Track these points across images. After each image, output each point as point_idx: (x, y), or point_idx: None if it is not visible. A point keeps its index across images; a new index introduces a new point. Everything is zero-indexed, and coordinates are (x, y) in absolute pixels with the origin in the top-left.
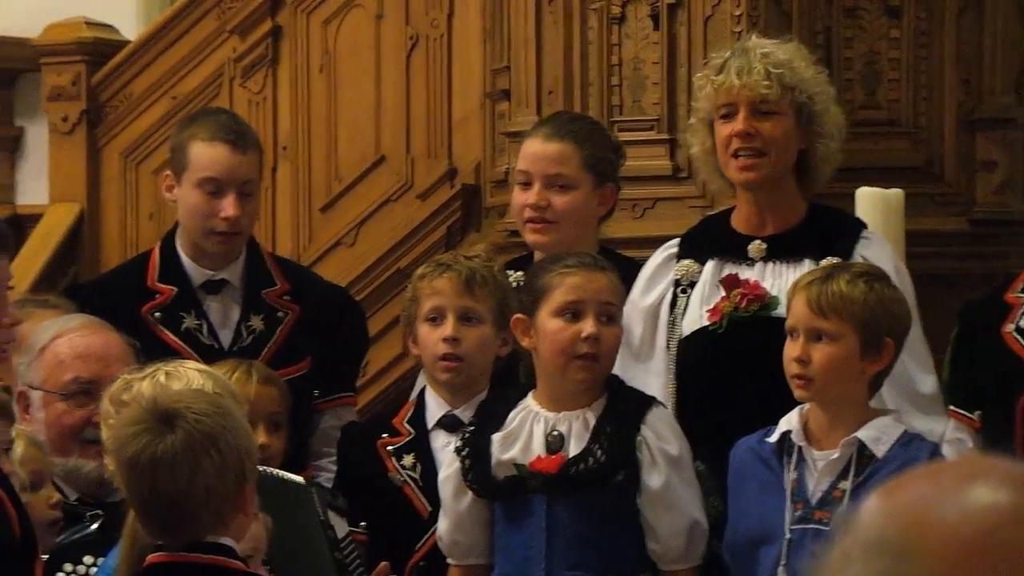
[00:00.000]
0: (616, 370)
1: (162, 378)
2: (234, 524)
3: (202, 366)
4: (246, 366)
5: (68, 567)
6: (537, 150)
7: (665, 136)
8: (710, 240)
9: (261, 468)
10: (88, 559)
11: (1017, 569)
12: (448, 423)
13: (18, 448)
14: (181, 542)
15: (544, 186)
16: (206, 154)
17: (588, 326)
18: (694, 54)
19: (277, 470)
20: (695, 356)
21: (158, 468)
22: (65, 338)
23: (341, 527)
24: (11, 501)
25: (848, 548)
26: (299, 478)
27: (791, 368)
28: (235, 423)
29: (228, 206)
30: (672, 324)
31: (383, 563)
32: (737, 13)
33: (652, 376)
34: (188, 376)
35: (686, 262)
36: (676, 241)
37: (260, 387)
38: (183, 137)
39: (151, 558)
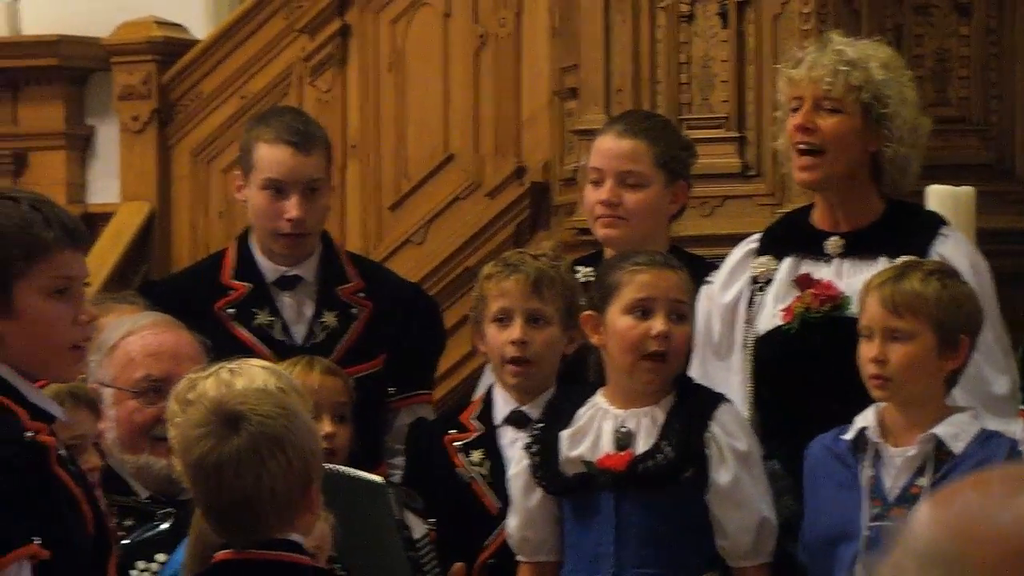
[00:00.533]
0: (697, 366)
1: (226, 376)
2: (301, 522)
3: (266, 363)
4: (307, 359)
5: (141, 564)
6: (610, 147)
7: (734, 134)
8: (789, 236)
9: (337, 467)
10: (160, 556)
11: None
12: (516, 419)
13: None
14: (248, 540)
15: (616, 183)
16: (269, 155)
17: (658, 324)
18: (763, 52)
19: (353, 469)
20: (769, 356)
21: (223, 470)
22: (136, 336)
23: (418, 527)
24: (86, 500)
25: (900, 558)
26: (376, 477)
27: (868, 369)
28: (300, 423)
29: (292, 207)
30: (748, 322)
31: (458, 564)
32: (806, 11)
33: (733, 374)
34: (252, 373)
35: (763, 259)
36: (757, 236)
37: (323, 378)
38: (249, 138)
39: (219, 555)
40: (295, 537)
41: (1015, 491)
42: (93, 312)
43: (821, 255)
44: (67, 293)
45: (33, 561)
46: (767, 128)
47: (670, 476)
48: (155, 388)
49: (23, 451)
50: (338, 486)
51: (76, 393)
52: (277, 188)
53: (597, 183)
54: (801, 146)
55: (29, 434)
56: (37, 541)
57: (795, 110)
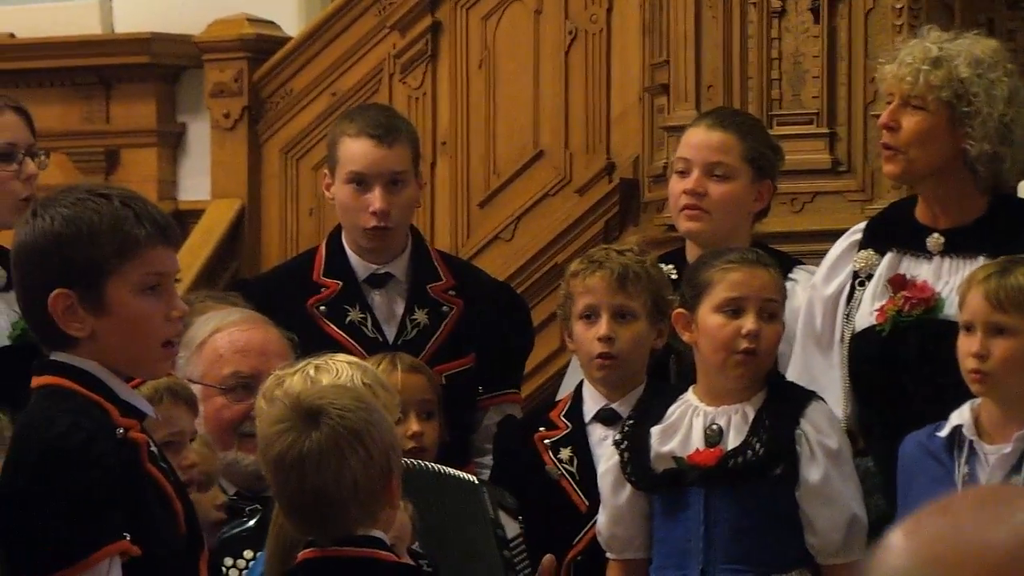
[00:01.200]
0: (799, 356)
1: (312, 372)
2: (382, 516)
3: (352, 358)
4: (391, 356)
5: (228, 561)
6: (699, 138)
7: (825, 130)
8: (892, 230)
9: (432, 465)
10: (248, 553)
11: None
12: (605, 417)
13: (193, 447)
14: (331, 537)
15: (703, 174)
16: (352, 149)
17: (749, 322)
18: (854, 48)
19: (448, 468)
20: (863, 355)
21: (304, 465)
22: (224, 333)
23: (511, 526)
24: (178, 497)
25: None
26: (471, 477)
27: (968, 363)
28: (379, 417)
29: (374, 200)
30: (847, 317)
31: (548, 556)
32: (899, 6)
33: (833, 367)
34: (338, 368)
35: (865, 253)
36: (861, 226)
37: (406, 376)
38: (335, 134)
39: (303, 554)
40: (378, 533)
41: (981, 515)
42: (184, 308)
43: (922, 251)
44: (159, 289)
45: (124, 557)
46: (858, 124)
47: (760, 472)
48: (243, 385)
49: (115, 448)
50: (432, 484)
51: (175, 389)
52: (360, 181)
53: (683, 173)
54: (884, 142)
55: (120, 431)
56: (128, 537)
57: (890, 103)
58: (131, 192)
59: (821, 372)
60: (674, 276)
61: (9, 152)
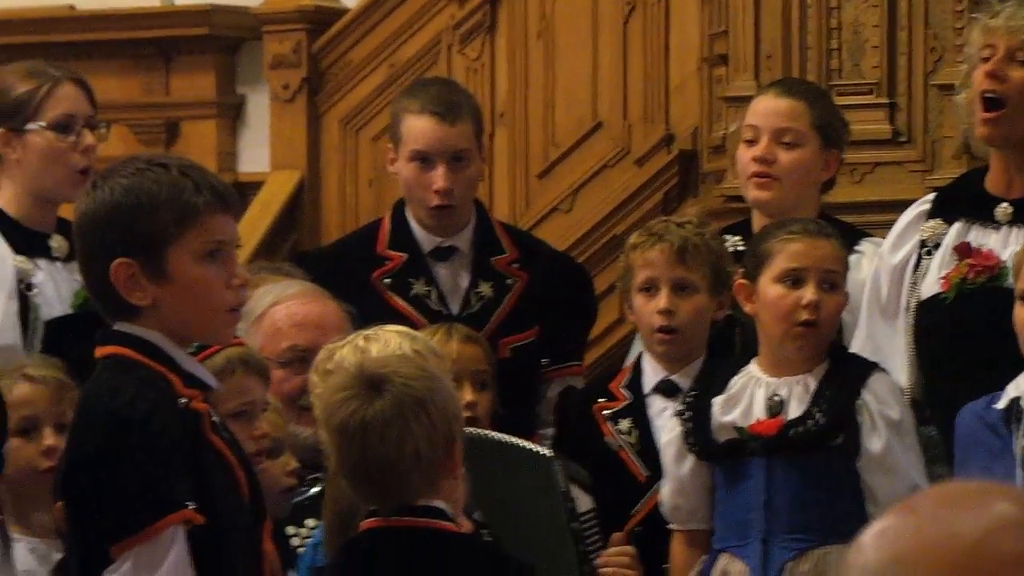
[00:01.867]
0: (864, 325)
1: (361, 343)
2: (444, 486)
3: (402, 328)
4: (446, 327)
5: (291, 530)
6: (768, 105)
7: (885, 100)
8: (960, 200)
9: (504, 437)
10: (310, 522)
11: (1013, 571)
12: (665, 388)
13: (265, 417)
14: (392, 507)
15: (772, 140)
16: (415, 127)
17: (809, 293)
18: (914, 17)
19: (519, 440)
20: (928, 322)
21: (368, 433)
22: (283, 306)
23: (584, 500)
24: (241, 467)
25: None
26: (544, 450)
27: None
28: (442, 386)
29: (438, 178)
30: (913, 285)
31: (617, 534)
32: None
33: (898, 335)
34: (387, 338)
35: (933, 222)
36: (930, 197)
37: (461, 346)
38: (397, 110)
39: (365, 523)
40: (439, 504)
41: (945, 511)
42: (246, 275)
43: (990, 221)
44: (219, 257)
45: (188, 526)
46: (918, 94)
47: (820, 442)
48: (301, 358)
49: (178, 417)
50: (502, 456)
51: (247, 360)
52: (423, 159)
53: (752, 142)
54: (987, 94)
55: (183, 400)
56: (192, 506)
57: (984, 59)
58: (190, 161)
59: (886, 341)
60: (741, 247)
61: (67, 124)
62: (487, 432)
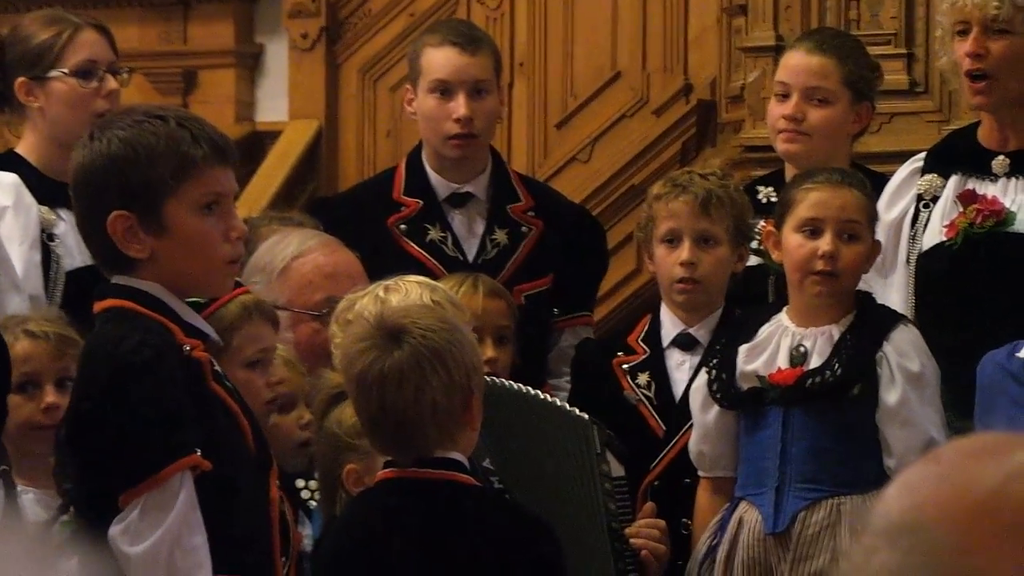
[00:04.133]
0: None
1: (381, 293)
2: (462, 438)
3: (421, 278)
4: (473, 279)
5: (300, 483)
6: (799, 62)
7: (903, 51)
8: (955, 155)
9: (544, 395)
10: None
11: None
12: (683, 342)
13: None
14: (410, 458)
15: (802, 98)
16: (435, 58)
17: (825, 243)
18: None
19: (560, 401)
20: (932, 271)
21: (386, 384)
22: (308, 258)
23: (616, 468)
24: (244, 414)
25: (870, 540)
26: (582, 414)
27: None
28: (461, 337)
29: (459, 107)
30: (912, 239)
31: (649, 504)
32: None
33: (892, 290)
34: (407, 288)
35: (929, 176)
36: (922, 155)
37: (487, 300)
38: (416, 48)
39: (382, 474)
40: (456, 455)
41: (968, 461)
42: (243, 228)
43: (987, 174)
44: (217, 209)
45: (195, 472)
46: (935, 44)
47: (836, 392)
48: (334, 309)
49: (182, 364)
50: (535, 412)
51: (261, 307)
52: (444, 90)
53: (783, 97)
54: (973, 72)
55: (187, 348)
56: (199, 452)
57: (960, 33)
58: (188, 113)
59: (880, 297)
60: (774, 199)
61: (90, 69)
62: (518, 385)
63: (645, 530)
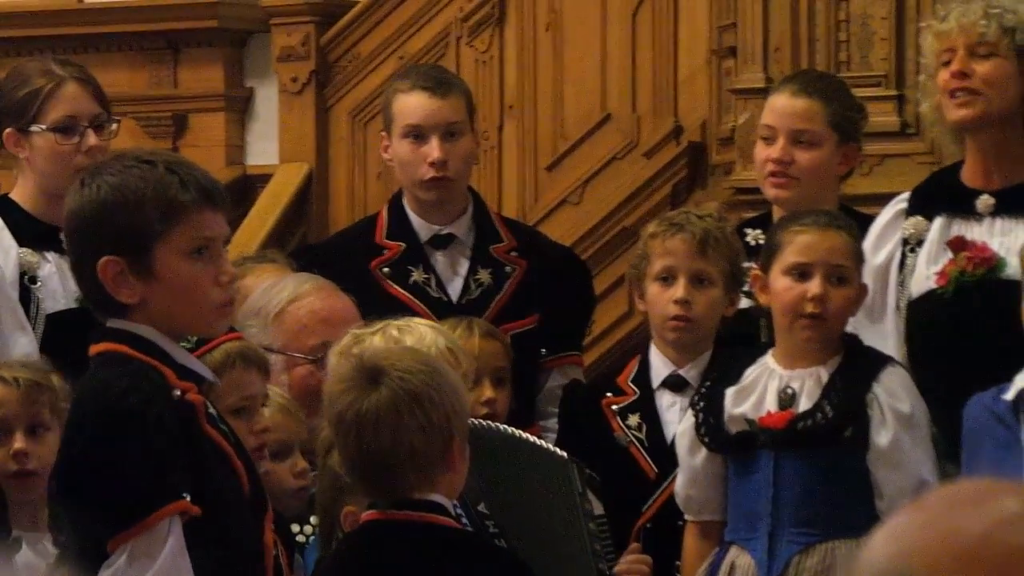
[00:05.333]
0: (849, 329)
1: (395, 333)
2: (443, 481)
3: (433, 323)
4: (467, 322)
5: (295, 527)
6: (784, 105)
7: (893, 92)
8: (939, 195)
9: (523, 434)
10: (315, 519)
11: (1016, 566)
12: (673, 383)
13: (265, 413)
14: (389, 500)
15: (789, 142)
16: (406, 103)
17: (814, 287)
18: (923, 9)
19: (538, 440)
20: (924, 319)
21: (362, 426)
22: (304, 302)
23: (597, 506)
24: (239, 457)
25: None
26: (561, 453)
27: None
28: (442, 380)
29: (432, 150)
30: (901, 284)
31: (635, 544)
32: None
33: (885, 337)
34: (421, 332)
35: (914, 219)
36: (905, 196)
37: (483, 342)
38: (388, 94)
39: (365, 515)
40: (438, 498)
41: (955, 508)
42: (234, 272)
43: (972, 214)
44: (207, 253)
45: (184, 518)
46: (918, 91)
47: (828, 435)
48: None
49: (172, 409)
50: (509, 450)
51: (247, 354)
52: (417, 135)
53: (769, 140)
54: (957, 92)
55: (177, 392)
56: (187, 497)
57: (946, 63)
58: (177, 157)
59: (872, 342)
60: (762, 241)
61: (69, 126)
62: (502, 427)
63: (634, 566)
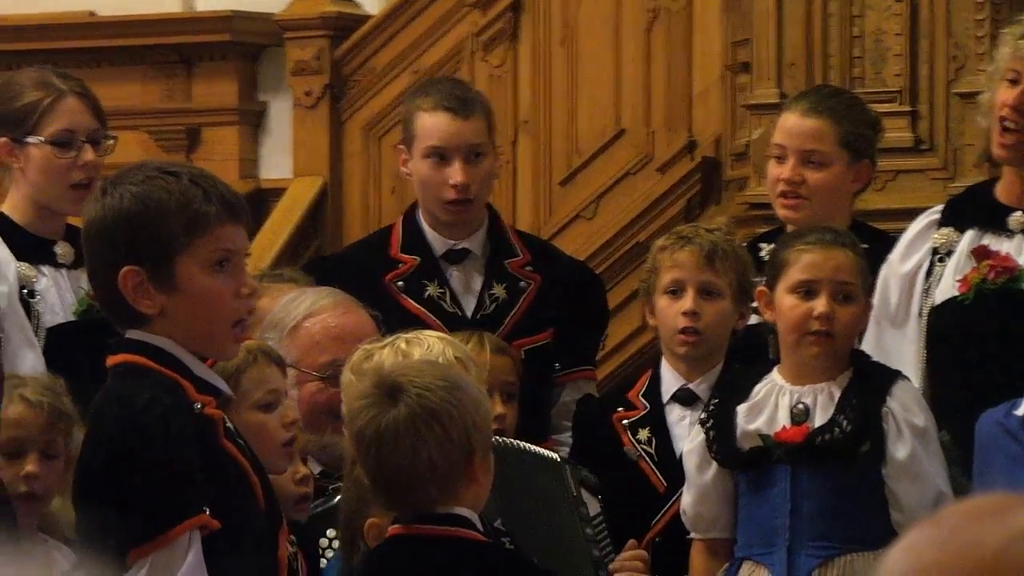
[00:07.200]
0: (871, 335)
1: (403, 346)
2: (467, 494)
3: (442, 334)
4: (479, 336)
5: (324, 542)
6: (794, 125)
7: (907, 108)
8: (972, 209)
9: (513, 441)
10: (331, 532)
11: None
12: (683, 397)
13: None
14: (412, 514)
15: (799, 162)
16: (429, 123)
17: (820, 305)
18: (936, 25)
19: (530, 445)
20: (944, 325)
21: (382, 442)
22: (319, 318)
23: (592, 505)
24: (255, 471)
25: None
26: (553, 454)
27: None
28: (462, 396)
29: (455, 173)
30: (926, 292)
31: (632, 540)
32: None
33: (907, 343)
34: (429, 343)
35: (945, 230)
36: (939, 207)
37: (494, 357)
38: (409, 109)
39: (391, 530)
40: (462, 511)
41: (972, 522)
42: (254, 285)
43: (1004, 230)
44: (228, 266)
45: (204, 532)
46: (940, 102)
47: (847, 449)
48: (339, 372)
49: (193, 423)
50: (514, 461)
51: (266, 350)
52: (440, 155)
53: (780, 159)
54: (1006, 122)
55: (197, 406)
56: (207, 511)
57: (1011, 81)
58: (200, 170)
59: (894, 349)
60: None
61: (67, 140)
62: (500, 438)
63: (628, 563)
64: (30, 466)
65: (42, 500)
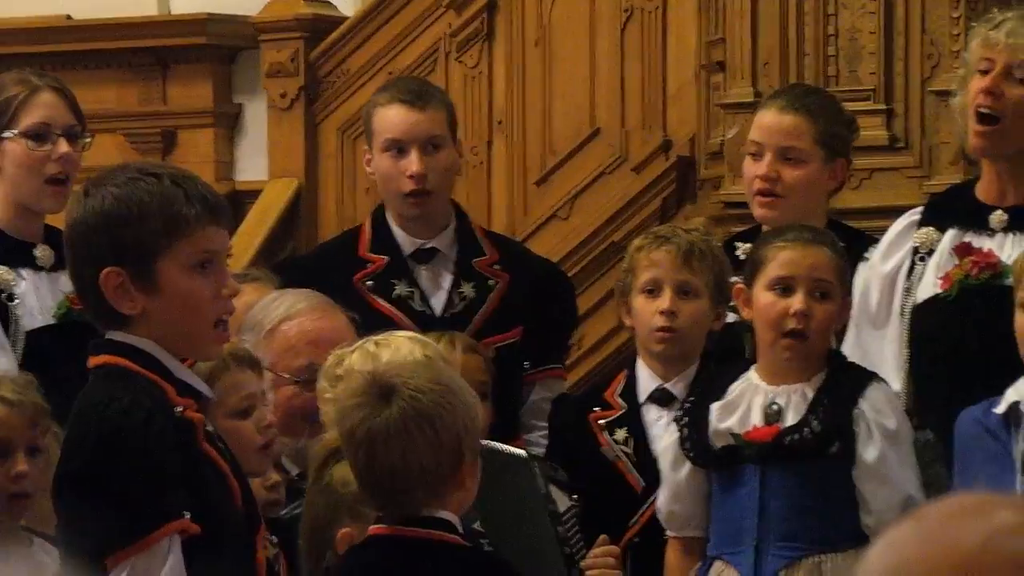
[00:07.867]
0: (852, 335)
1: (372, 348)
2: (453, 498)
3: (411, 334)
4: (449, 336)
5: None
6: (770, 122)
7: (882, 106)
8: (953, 208)
9: (488, 443)
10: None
11: (1014, 573)
12: (660, 397)
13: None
14: (398, 515)
15: (775, 158)
16: (386, 116)
17: (797, 302)
18: (911, 23)
19: (498, 443)
20: (926, 323)
21: (373, 442)
22: (295, 322)
23: (562, 501)
24: (234, 474)
25: None
26: (521, 451)
27: None
28: (454, 399)
29: (411, 163)
30: (907, 291)
31: (603, 536)
32: None
33: (887, 343)
34: (397, 344)
35: (926, 230)
36: (920, 208)
37: (464, 357)
38: (369, 108)
39: (373, 529)
40: (446, 515)
41: (952, 520)
42: (236, 285)
43: (985, 228)
44: (209, 267)
45: (184, 535)
46: (915, 100)
47: (816, 450)
48: (315, 376)
49: (173, 426)
50: (483, 459)
51: (237, 355)
52: (398, 148)
53: (756, 156)
54: (981, 109)
55: (178, 409)
56: (188, 516)
57: (983, 72)
58: (182, 171)
59: (875, 349)
60: None
61: (42, 132)
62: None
63: (600, 559)
64: (20, 465)
65: (32, 498)
